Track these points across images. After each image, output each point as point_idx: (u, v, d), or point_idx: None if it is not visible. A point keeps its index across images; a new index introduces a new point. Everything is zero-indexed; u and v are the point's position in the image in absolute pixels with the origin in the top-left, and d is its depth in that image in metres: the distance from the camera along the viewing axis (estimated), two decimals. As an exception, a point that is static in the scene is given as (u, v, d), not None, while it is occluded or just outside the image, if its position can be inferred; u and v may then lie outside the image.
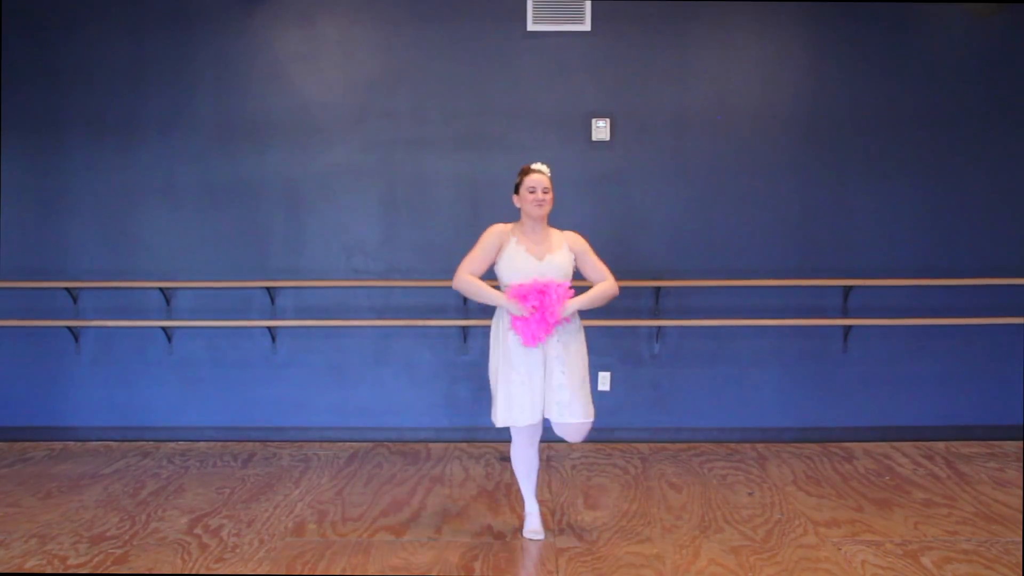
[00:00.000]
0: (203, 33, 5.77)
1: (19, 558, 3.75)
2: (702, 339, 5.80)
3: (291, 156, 5.79)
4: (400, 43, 5.78)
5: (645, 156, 5.78)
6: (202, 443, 5.80)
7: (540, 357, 3.78)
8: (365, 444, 5.78)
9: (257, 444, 5.78)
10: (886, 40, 5.75)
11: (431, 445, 5.76)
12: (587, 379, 3.87)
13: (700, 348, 5.81)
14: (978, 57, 5.76)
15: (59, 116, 5.79)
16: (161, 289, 5.78)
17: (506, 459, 5.34)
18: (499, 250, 3.82)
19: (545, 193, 3.81)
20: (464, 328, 5.78)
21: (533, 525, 3.99)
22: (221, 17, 5.77)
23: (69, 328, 5.82)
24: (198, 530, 4.10)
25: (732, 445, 5.74)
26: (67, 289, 5.79)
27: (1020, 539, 3.95)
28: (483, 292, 3.83)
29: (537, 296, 3.72)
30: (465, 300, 5.71)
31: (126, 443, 5.80)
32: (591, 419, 3.84)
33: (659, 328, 5.78)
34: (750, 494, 4.67)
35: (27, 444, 5.76)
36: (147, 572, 3.62)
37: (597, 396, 5.64)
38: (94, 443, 5.81)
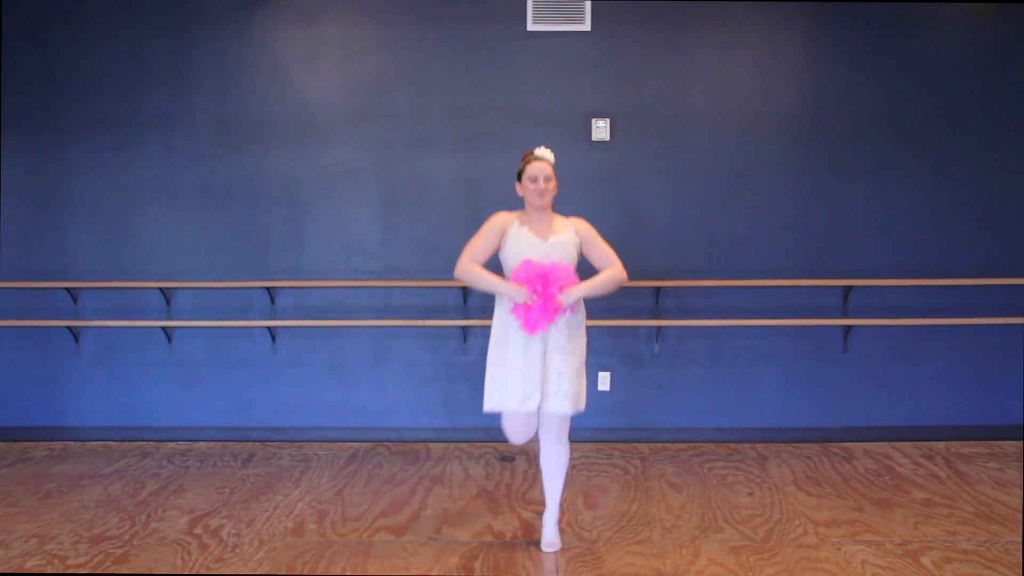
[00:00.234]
0: (203, 33, 5.77)
1: (19, 558, 3.75)
2: (702, 339, 5.80)
3: (291, 156, 5.79)
4: (400, 43, 5.78)
5: (645, 156, 5.78)
6: (202, 443, 5.80)
7: (540, 345, 3.65)
8: (365, 444, 5.78)
9: (257, 444, 5.78)
10: (886, 40, 5.75)
11: (431, 445, 5.76)
12: (583, 371, 3.74)
13: (700, 348, 5.81)
14: (978, 57, 5.77)
15: (59, 116, 5.79)
16: (161, 289, 5.78)
17: (506, 459, 5.34)
18: (503, 236, 3.73)
19: (547, 182, 3.69)
20: (464, 328, 5.78)
21: (547, 537, 3.85)
22: (221, 17, 5.77)
23: (69, 328, 5.82)
24: (198, 530, 4.10)
25: (732, 445, 5.75)
26: (67, 289, 5.79)
27: (1020, 539, 3.95)
28: (483, 279, 3.71)
29: (539, 281, 3.59)
30: (465, 300, 5.72)
31: (126, 443, 5.80)
32: (575, 411, 3.69)
33: (659, 328, 5.78)
34: (750, 494, 4.67)
35: (27, 444, 5.76)
36: (147, 572, 3.62)
37: (597, 396, 5.68)
38: (94, 443, 5.81)
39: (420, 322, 5.76)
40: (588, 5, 5.71)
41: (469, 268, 3.73)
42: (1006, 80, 5.76)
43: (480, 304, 5.59)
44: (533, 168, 3.71)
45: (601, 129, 5.75)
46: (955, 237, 5.79)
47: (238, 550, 3.85)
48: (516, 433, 3.76)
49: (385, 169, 5.80)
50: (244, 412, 5.85)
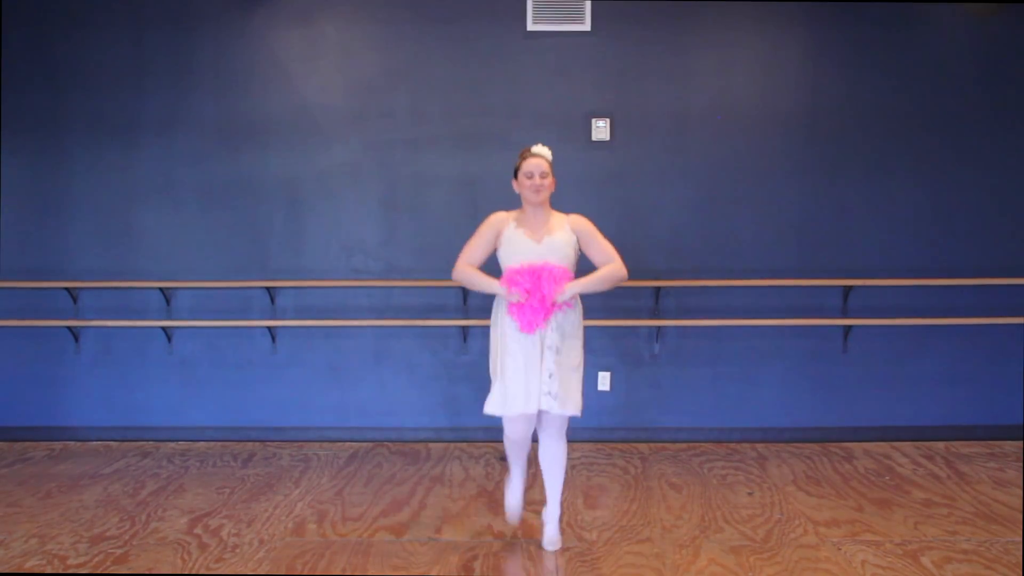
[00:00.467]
0: (203, 33, 5.77)
1: (19, 558, 3.75)
2: (702, 339, 5.80)
3: (291, 156, 5.79)
4: (400, 43, 5.78)
5: (645, 156, 5.78)
6: (202, 443, 5.80)
7: (538, 346, 3.62)
8: (365, 444, 5.78)
9: (257, 444, 5.78)
10: (886, 40, 5.75)
11: (431, 445, 5.76)
12: (579, 371, 3.70)
13: (700, 348, 5.81)
14: (978, 57, 5.76)
15: (59, 116, 5.79)
16: (161, 289, 5.78)
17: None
18: (498, 237, 3.71)
19: (543, 178, 3.66)
20: (464, 328, 5.78)
21: (549, 535, 3.84)
22: (221, 17, 5.77)
23: (69, 328, 5.82)
24: (198, 530, 4.10)
25: (732, 445, 5.74)
26: (67, 289, 5.79)
27: (1020, 539, 3.95)
28: (477, 280, 3.71)
29: (531, 279, 3.58)
30: (465, 300, 5.72)
31: (126, 443, 5.80)
32: (573, 414, 3.66)
33: (659, 328, 5.78)
34: (750, 494, 4.67)
35: (27, 444, 5.76)
36: (147, 572, 3.62)
37: (597, 396, 5.69)
38: (94, 443, 5.81)
39: (420, 322, 5.76)
40: (588, 5, 5.71)
41: (464, 270, 3.74)
42: (1006, 80, 5.76)
43: (480, 304, 5.59)
44: (529, 164, 3.69)
45: (601, 129, 5.75)
46: (955, 237, 5.79)
47: (238, 550, 3.85)
48: (518, 434, 3.74)
49: (385, 169, 5.80)
50: (244, 412, 5.85)
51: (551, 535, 3.84)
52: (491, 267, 3.80)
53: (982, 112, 5.77)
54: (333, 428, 5.85)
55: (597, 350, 5.64)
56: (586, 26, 5.72)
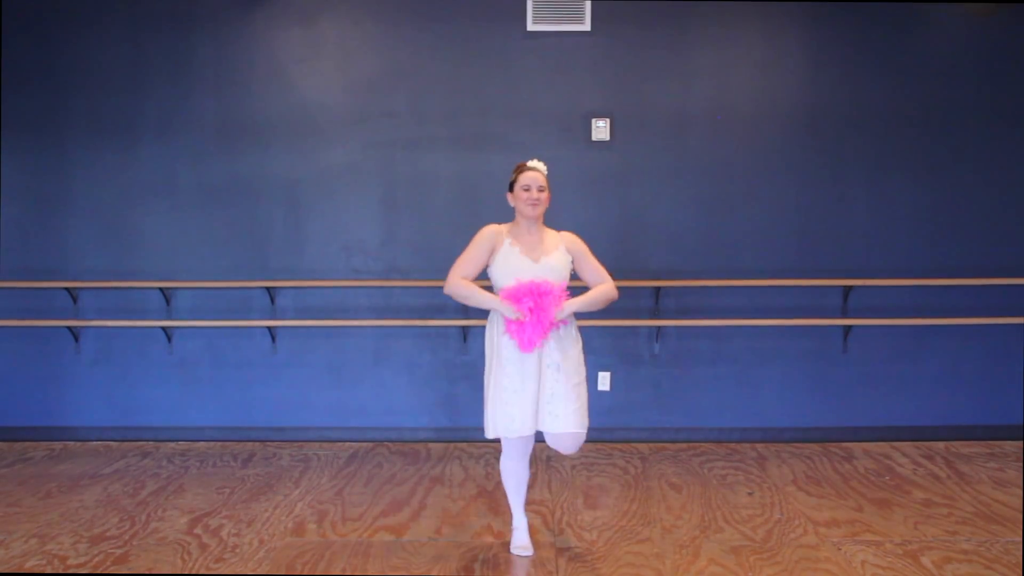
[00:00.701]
0: (203, 33, 5.77)
1: (19, 558, 3.75)
2: (702, 339, 5.80)
3: (291, 156, 5.79)
4: (400, 43, 5.78)
5: (645, 156, 5.78)
6: (202, 443, 5.80)
7: (536, 364, 3.56)
8: (365, 444, 5.78)
9: (257, 444, 5.78)
10: (886, 40, 5.75)
11: (431, 445, 5.76)
12: (584, 386, 3.65)
13: (700, 348, 5.81)
14: (978, 57, 5.77)
15: (59, 116, 5.79)
16: (161, 289, 5.78)
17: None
18: (492, 252, 3.63)
19: (540, 192, 3.61)
20: (464, 328, 5.78)
21: (520, 541, 3.80)
22: (221, 17, 5.77)
23: (69, 328, 5.82)
24: (198, 530, 4.10)
25: (732, 445, 5.75)
26: (67, 289, 5.79)
27: (1020, 539, 3.95)
28: (475, 296, 3.62)
29: (532, 298, 3.52)
30: (465, 300, 5.71)
31: (126, 443, 5.80)
32: (584, 430, 3.61)
33: (659, 328, 5.78)
34: (750, 494, 4.67)
35: (27, 444, 5.76)
36: (147, 572, 3.62)
37: (597, 396, 5.68)
38: (94, 443, 5.81)
39: (420, 322, 5.76)
40: (588, 5, 5.71)
41: (459, 285, 3.63)
42: (1006, 80, 5.76)
43: (480, 304, 5.58)
44: (526, 177, 3.63)
45: (601, 129, 5.75)
46: (955, 237, 5.79)
47: (238, 550, 3.85)
48: (515, 453, 3.69)
49: (385, 169, 5.80)
50: (244, 412, 5.85)
51: (524, 540, 3.81)
52: (482, 279, 3.76)
53: (982, 112, 5.77)
54: (333, 428, 5.85)
55: (597, 350, 5.65)
56: (586, 26, 5.72)
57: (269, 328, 5.81)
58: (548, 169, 3.75)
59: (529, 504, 4.45)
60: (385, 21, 5.78)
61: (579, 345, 3.70)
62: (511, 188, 3.69)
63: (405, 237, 5.81)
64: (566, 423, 3.57)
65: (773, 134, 5.78)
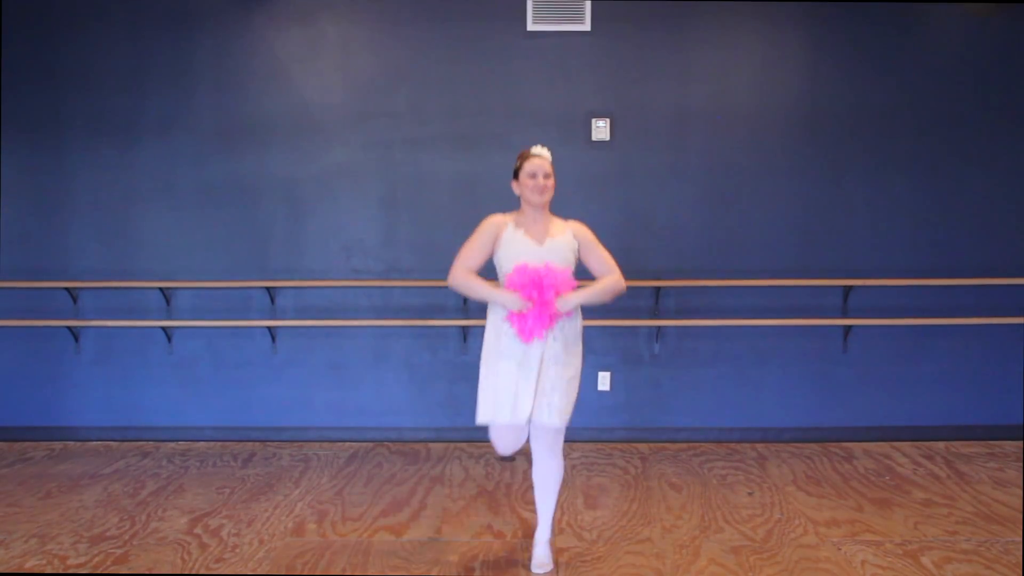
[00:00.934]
0: (203, 33, 5.77)
1: (19, 558, 3.75)
2: (702, 339, 5.80)
3: (291, 156, 5.79)
4: (400, 43, 5.78)
5: (645, 156, 5.78)
6: (202, 443, 5.80)
7: (537, 354, 3.47)
8: (365, 444, 5.78)
9: (257, 444, 5.78)
10: (886, 40, 5.75)
11: (431, 445, 5.76)
12: (576, 383, 3.55)
13: (700, 348, 5.81)
14: (977, 57, 5.76)
15: (59, 116, 5.79)
16: (161, 289, 5.78)
17: (506, 459, 5.33)
18: (496, 240, 3.55)
19: (546, 179, 3.53)
20: (464, 328, 5.78)
21: (538, 557, 3.64)
22: (221, 17, 5.77)
23: (69, 328, 5.82)
24: (198, 530, 4.10)
25: (732, 445, 5.74)
26: (67, 289, 5.79)
27: (1020, 539, 3.95)
28: (477, 288, 3.54)
29: (535, 288, 3.45)
30: (465, 300, 5.71)
31: (126, 443, 5.80)
32: (556, 425, 3.48)
33: (659, 328, 5.78)
34: (750, 494, 4.68)
35: (27, 444, 5.76)
36: (147, 572, 3.62)
37: (597, 396, 5.69)
38: (94, 443, 5.81)
39: (420, 322, 5.76)
40: (588, 5, 5.71)
41: (463, 277, 3.56)
42: (1005, 80, 5.76)
43: (480, 304, 5.52)
44: (532, 164, 3.56)
45: (601, 129, 5.75)
46: (955, 237, 5.79)
47: (238, 550, 3.85)
48: (504, 444, 3.58)
49: (385, 169, 5.80)
50: (244, 412, 5.85)
51: (540, 558, 3.64)
52: (487, 271, 3.72)
53: (982, 112, 5.77)
54: (333, 428, 5.85)
55: (597, 350, 5.64)
56: (586, 26, 5.72)
57: (269, 328, 5.81)
58: (549, 153, 3.67)
59: (530, 504, 4.45)
60: (385, 21, 5.78)
61: (580, 340, 3.62)
62: (516, 176, 3.61)
63: (405, 237, 5.81)
64: (551, 415, 3.46)
65: (773, 134, 5.77)
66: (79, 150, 5.80)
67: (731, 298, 5.77)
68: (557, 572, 3.62)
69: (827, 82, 5.77)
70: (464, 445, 5.73)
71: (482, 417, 3.52)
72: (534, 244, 3.53)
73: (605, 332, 5.71)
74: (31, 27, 5.76)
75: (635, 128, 5.77)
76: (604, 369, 5.77)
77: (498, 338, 3.54)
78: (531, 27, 5.73)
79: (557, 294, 3.46)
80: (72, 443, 5.81)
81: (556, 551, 3.82)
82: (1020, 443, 5.60)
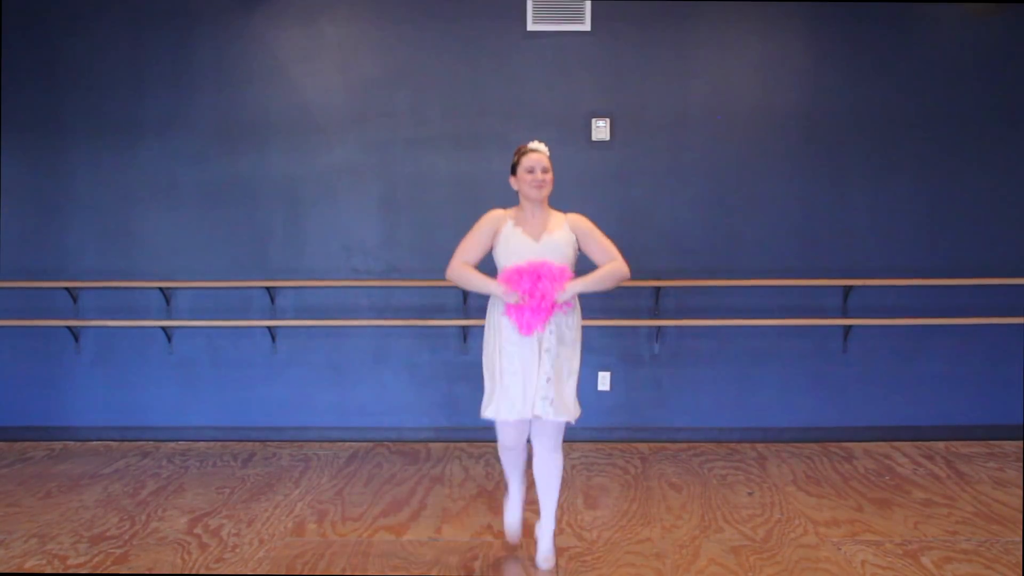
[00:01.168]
0: (203, 33, 5.77)
1: (19, 558, 3.75)
2: (702, 339, 5.80)
3: (291, 156, 5.79)
4: (400, 43, 5.78)
5: (645, 156, 5.78)
6: (202, 443, 5.80)
7: (536, 347, 3.48)
8: (365, 444, 5.78)
9: (257, 444, 5.78)
10: (886, 40, 5.75)
11: (431, 445, 5.76)
12: (575, 376, 3.56)
13: (700, 348, 5.81)
14: (978, 57, 5.76)
15: (59, 116, 5.79)
16: (161, 289, 5.78)
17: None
18: (495, 235, 3.57)
19: (544, 173, 3.54)
20: (464, 328, 5.78)
21: (543, 551, 3.66)
22: (221, 17, 5.77)
23: (69, 328, 5.82)
24: (198, 530, 4.10)
25: (732, 445, 5.74)
26: (67, 289, 5.79)
27: (1020, 539, 3.95)
28: (474, 280, 3.56)
29: (530, 280, 3.44)
30: (465, 299, 5.72)
31: (126, 443, 5.80)
32: (568, 420, 3.52)
33: (659, 328, 5.78)
34: (750, 494, 4.68)
35: (27, 444, 5.76)
36: (147, 572, 3.62)
37: (597, 396, 5.69)
38: (94, 443, 5.81)
39: (420, 322, 5.76)
40: (588, 5, 5.71)
41: (460, 269, 3.58)
42: (1006, 80, 5.76)
43: (480, 304, 5.55)
44: (530, 159, 3.56)
45: (601, 129, 5.75)
46: (955, 237, 5.79)
47: (238, 550, 3.85)
48: (510, 438, 3.62)
49: (385, 169, 5.80)
50: (244, 412, 5.85)
51: (545, 552, 3.67)
52: (487, 266, 3.72)
53: (982, 112, 5.77)
54: (333, 428, 5.85)
55: (597, 350, 5.64)
56: (586, 26, 5.72)
57: (269, 328, 5.81)
58: (547, 148, 3.67)
59: (530, 504, 4.45)
60: (385, 21, 5.78)
61: (579, 335, 3.60)
62: (513, 171, 3.62)
63: (405, 237, 5.81)
64: (545, 410, 3.47)
65: (773, 134, 5.77)
66: (79, 150, 5.80)
67: (731, 298, 5.77)
68: (557, 572, 3.62)
69: (827, 82, 5.77)
70: (464, 445, 5.74)
71: (487, 413, 3.54)
72: (531, 241, 3.54)
73: (605, 332, 5.71)
74: (31, 27, 5.76)
75: (635, 128, 5.77)
76: (604, 369, 5.77)
77: (497, 334, 3.55)
78: (531, 27, 5.73)
79: (555, 284, 3.45)
80: (72, 443, 5.81)
81: (556, 551, 3.80)
82: (1020, 443, 5.60)
